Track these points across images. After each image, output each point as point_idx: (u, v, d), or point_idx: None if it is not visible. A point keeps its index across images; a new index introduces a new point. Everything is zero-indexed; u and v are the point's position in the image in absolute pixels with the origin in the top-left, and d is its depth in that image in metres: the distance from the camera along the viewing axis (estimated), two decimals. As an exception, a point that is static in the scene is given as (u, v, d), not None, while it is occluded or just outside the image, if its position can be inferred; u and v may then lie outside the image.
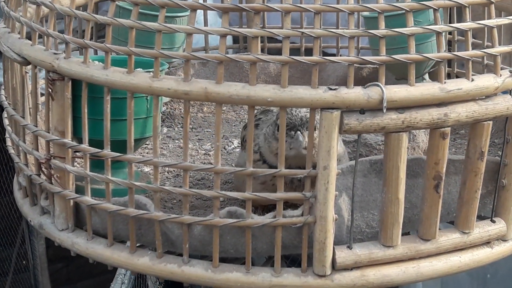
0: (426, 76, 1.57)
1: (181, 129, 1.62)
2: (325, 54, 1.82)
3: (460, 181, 1.06)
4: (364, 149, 1.26)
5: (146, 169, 1.34)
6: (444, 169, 1.01)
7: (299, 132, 1.04)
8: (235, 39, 1.95)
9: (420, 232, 1.05)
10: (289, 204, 1.08)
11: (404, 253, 1.03)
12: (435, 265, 1.05)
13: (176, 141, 1.52)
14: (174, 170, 1.35)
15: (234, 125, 1.64)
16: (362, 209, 1.06)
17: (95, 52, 1.40)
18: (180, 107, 1.70)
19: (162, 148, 1.49)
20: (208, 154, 1.45)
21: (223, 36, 0.95)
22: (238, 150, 1.47)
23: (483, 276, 2.74)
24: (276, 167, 0.99)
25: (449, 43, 1.65)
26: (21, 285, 3.15)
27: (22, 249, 3.03)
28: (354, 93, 0.95)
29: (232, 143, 1.51)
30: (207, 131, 1.59)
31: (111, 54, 1.02)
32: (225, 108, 1.72)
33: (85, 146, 1.05)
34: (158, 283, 2.41)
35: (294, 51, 1.75)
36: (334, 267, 1.02)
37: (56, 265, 3.02)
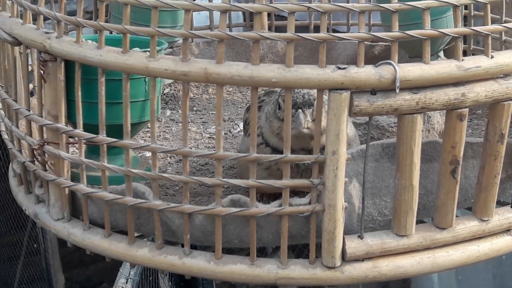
0: (441, 53, 1.50)
1: (185, 111, 1.55)
2: (336, 32, 1.74)
3: (479, 165, 0.99)
4: (376, 132, 1.20)
5: (148, 154, 1.28)
6: (462, 153, 0.94)
7: (300, 111, 0.97)
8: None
9: (435, 220, 0.98)
10: (296, 191, 1.02)
11: (418, 243, 0.97)
12: (452, 255, 0.99)
13: (180, 124, 1.46)
14: (176, 155, 1.29)
15: (240, 107, 1.57)
16: (373, 196, 0.99)
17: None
18: (185, 89, 1.63)
19: (165, 131, 1.43)
20: (213, 137, 1.39)
21: (224, 12, 0.89)
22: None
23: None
24: (278, 149, 0.93)
25: (465, 19, 1.57)
26: (33, 268, 3.10)
27: (33, 232, 2.99)
28: (365, 73, 0.88)
29: (238, 126, 1.44)
30: (212, 114, 1.53)
31: (112, 33, 0.95)
32: (230, 89, 1.66)
33: (79, 131, 0.99)
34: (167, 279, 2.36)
35: (303, 29, 1.68)
36: (344, 258, 0.95)
37: (68, 247, 2.98)
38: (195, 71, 0.89)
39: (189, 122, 1.46)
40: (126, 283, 2.18)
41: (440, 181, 0.96)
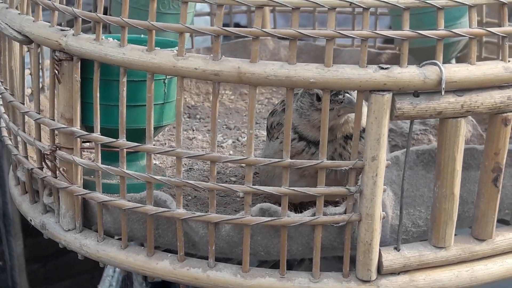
0: (453, 61, 1.46)
1: (187, 119, 1.49)
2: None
3: (518, 173, 0.95)
4: (401, 139, 1.15)
5: (156, 162, 1.22)
6: (504, 160, 0.90)
7: (347, 94, 0.92)
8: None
9: (474, 232, 0.93)
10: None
11: (457, 255, 0.92)
12: (490, 268, 0.94)
13: (185, 132, 1.40)
14: (184, 164, 1.22)
15: (245, 115, 1.52)
16: (407, 205, 0.94)
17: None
18: (185, 96, 1.57)
19: (169, 140, 1.36)
20: (221, 146, 1.33)
21: (259, 7, 0.83)
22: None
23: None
24: (316, 142, 0.88)
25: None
26: (-2, 286, 3.01)
27: (-1, 249, 2.89)
28: (409, 73, 0.83)
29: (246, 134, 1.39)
30: (217, 122, 1.46)
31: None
32: (233, 97, 1.60)
33: (97, 135, 0.93)
34: (144, 284, 2.31)
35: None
36: (380, 271, 0.90)
37: (32, 265, 2.89)
38: (227, 71, 0.84)
39: (193, 130, 1.40)
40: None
41: (480, 190, 0.91)
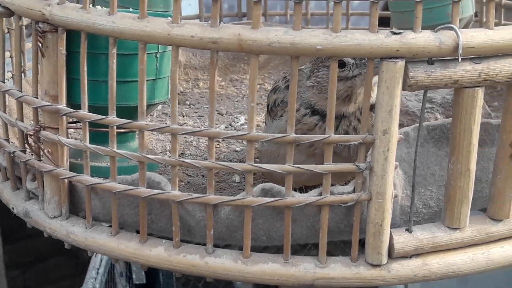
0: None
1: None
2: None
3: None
4: (406, 118, 1.08)
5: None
6: (523, 134, 0.84)
7: None
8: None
9: (490, 211, 0.87)
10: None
11: (472, 237, 0.86)
12: (508, 250, 0.88)
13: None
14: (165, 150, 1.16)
15: (237, 101, 1.45)
16: (418, 185, 0.88)
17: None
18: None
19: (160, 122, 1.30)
20: (213, 131, 1.27)
21: (261, -31, 0.77)
22: (246, 126, 1.29)
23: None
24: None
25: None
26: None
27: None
28: (423, 38, 0.77)
29: (239, 119, 1.32)
30: (206, 108, 1.40)
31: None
32: (223, 83, 1.54)
33: (84, 112, 0.86)
34: (128, 286, 2.25)
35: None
36: (391, 254, 0.84)
37: (11, 272, 2.83)
38: (226, 38, 0.77)
39: (183, 116, 1.34)
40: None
41: (497, 166, 0.85)
